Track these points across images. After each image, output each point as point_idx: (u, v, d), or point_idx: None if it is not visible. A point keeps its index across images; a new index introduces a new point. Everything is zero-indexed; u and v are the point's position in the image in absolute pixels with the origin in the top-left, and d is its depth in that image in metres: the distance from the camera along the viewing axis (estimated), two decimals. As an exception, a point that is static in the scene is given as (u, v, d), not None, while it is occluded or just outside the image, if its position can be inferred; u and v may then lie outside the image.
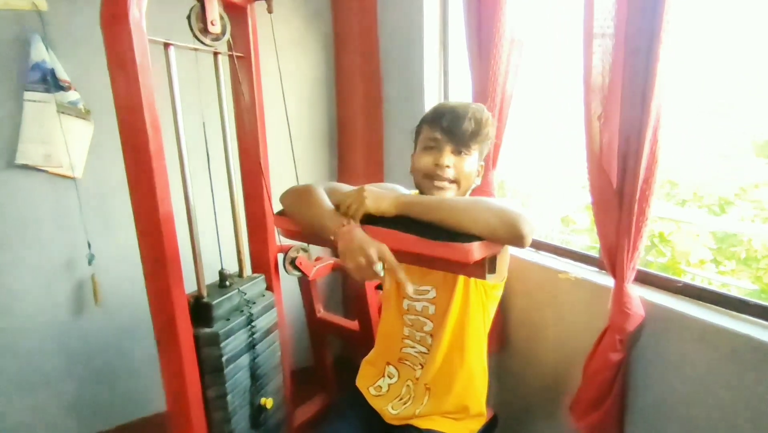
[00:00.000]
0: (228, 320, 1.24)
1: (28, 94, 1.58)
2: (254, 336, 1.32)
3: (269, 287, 1.46)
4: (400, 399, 1.16)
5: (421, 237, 0.83)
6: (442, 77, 1.78)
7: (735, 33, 1.15)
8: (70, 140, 1.66)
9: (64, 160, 1.67)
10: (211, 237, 1.34)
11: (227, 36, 1.24)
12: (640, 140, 0.89)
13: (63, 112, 1.63)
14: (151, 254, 1.09)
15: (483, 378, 1.13)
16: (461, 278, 1.03)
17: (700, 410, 0.98)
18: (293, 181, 1.31)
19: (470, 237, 0.80)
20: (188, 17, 1.14)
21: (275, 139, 1.52)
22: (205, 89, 1.34)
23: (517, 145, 1.59)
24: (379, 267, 0.80)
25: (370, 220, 0.90)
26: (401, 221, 0.87)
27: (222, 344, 1.20)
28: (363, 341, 1.61)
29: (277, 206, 1.08)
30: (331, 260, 1.65)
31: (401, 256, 0.84)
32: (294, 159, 1.55)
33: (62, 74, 1.61)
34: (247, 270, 1.43)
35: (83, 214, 1.75)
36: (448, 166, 0.97)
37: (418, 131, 1.06)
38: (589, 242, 1.72)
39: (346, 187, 1.07)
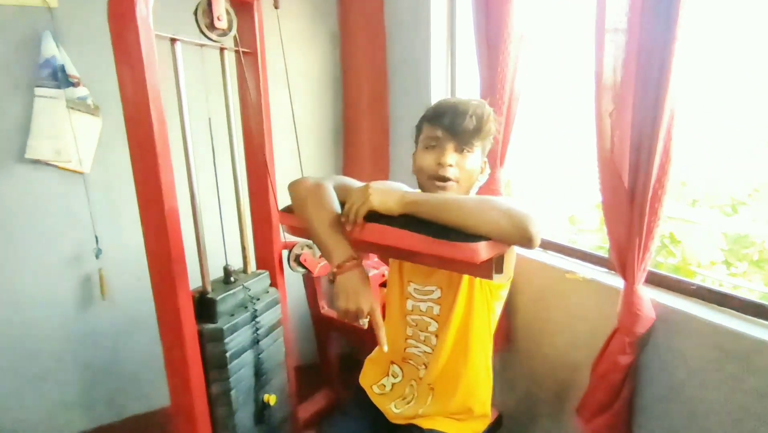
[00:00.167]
0: (232, 315, 1.24)
1: (38, 90, 1.59)
2: (258, 332, 1.31)
3: (274, 284, 1.46)
4: (404, 399, 1.15)
5: (426, 236, 0.81)
6: (449, 74, 1.76)
7: (754, 28, 1.12)
8: (79, 136, 1.67)
9: (73, 156, 1.68)
10: (216, 233, 1.34)
11: (234, 32, 1.24)
12: (653, 138, 0.87)
13: (72, 108, 1.64)
14: (156, 249, 1.09)
15: (487, 379, 1.12)
16: (466, 277, 1.02)
17: (712, 417, 0.96)
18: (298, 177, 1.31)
19: (477, 236, 0.79)
20: (195, 12, 1.14)
21: (281, 135, 1.52)
22: (211, 85, 1.34)
23: (525, 144, 1.57)
24: (363, 322, 0.85)
25: (374, 217, 0.89)
26: (406, 219, 0.86)
27: (226, 340, 1.20)
28: (367, 338, 1.60)
29: (282, 203, 1.07)
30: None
31: (406, 255, 0.83)
32: (299, 156, 1.55)
33: (72, 70, 1.62)
34: (252, 266, 1.43)
35: (91, 209, 1.77)
36: (450, 165, 0.95)
37: (418, 129, 1.04)
38: (593, 242, 1.70)
39: (355, 183, 1.06)
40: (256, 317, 1.30)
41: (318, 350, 1.94)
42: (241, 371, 1.26)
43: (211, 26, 1.17)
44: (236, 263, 1.37)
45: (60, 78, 1.59)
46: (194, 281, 1.17)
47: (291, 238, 1.38)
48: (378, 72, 1.97)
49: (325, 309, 1.80)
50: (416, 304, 1.11)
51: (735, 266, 1.53)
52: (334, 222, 0.91)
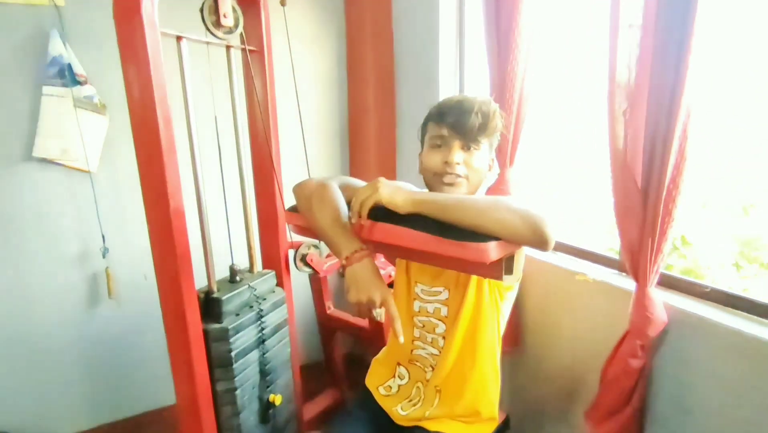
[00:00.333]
0: (238, 315, 1.23)
1: (46, 89, 1.60)
2: (264, 332, 1.31)
3: (280, 284, 1.45)
4: (410, 400, 1.13)
5: (435, 235, 0.80)
6: (458, 72, 1.74)
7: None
8: (86, 135, 1.67)
9: (80, 155, 1.68)
10: (222, 232, 1.34)
11: (240, 29, 1.23)
12: (668, 137, 0.85)
13: (79, 107, 1.64)
14: (162, 248, 1.09)
15: (496, 382, 1.10)
16: (474, 278, 1.00)
17: (725, 422, 0.94)
18: (305, 177, 1.29)
19: (486, 236, 0.77)
20: (201, 10, 1.13)
21: (287, 134, 1.51)
22: (217, 83, 1.34)
23: (536, 143, 1.55)
24: (378, 312, 0.81)
25: (380, 216, 0.87)
26: (413, 218, 0.84)
27: (231, 340, 1.19)
28: (373, 338, 1.59)
29: (288, 202, 1.06)
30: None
31: (414, 254, 0.81)
32: (306, 155, 1.54)
33: (78, 69, 1.62)
34: (258, 266, 1.42)
35: (98, 208, 1.77)
36: (458, 163, 0.94)
37: (424, 129, 1.03)
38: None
39: (361, 183, 1.05)
40: (261, 316, 1.30)
41: (323, 349, 1.93)
42: (246, 370, 1.25)
43: (218, 24, 1.16)
44: (242, 263, 1.36)
45: (67, 76, 1.60)
46: (200, 281, 1.17)
47: (297, 238, 1.37)
48: (385, 71, 1.95)
49: (331, 309, 1.79)
50: (423, 305, 1.09)
51: (744, 268, 1.50)
52: (339, 217, 0.90)
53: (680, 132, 0.84)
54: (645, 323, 0.98)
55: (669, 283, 1.08)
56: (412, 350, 1.14)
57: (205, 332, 1.17)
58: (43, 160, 1.66)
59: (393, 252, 1.18)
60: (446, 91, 1.73)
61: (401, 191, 0.85)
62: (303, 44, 2.06)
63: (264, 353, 1.32)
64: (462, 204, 0.81)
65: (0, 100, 1.59)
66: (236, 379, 1.22)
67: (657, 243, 0.93)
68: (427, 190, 1.04)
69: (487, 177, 1.01)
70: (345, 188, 0.99)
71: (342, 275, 0.86)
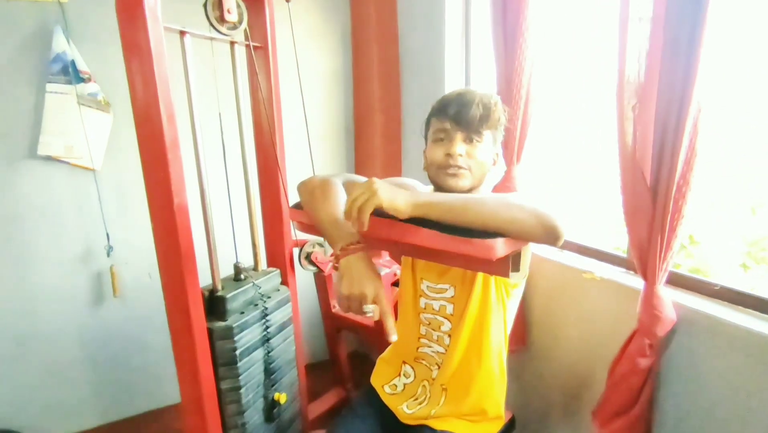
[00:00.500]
0: (242, 313, 1.23)
1: (50, 86, 1.59)
2: (268, 330, 1.30)
3: (284, 282, 1.45)
4: (416, 399, 1.13)
5: (440, 232, 0.79)
6: (464, 68, 1.73)
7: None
8: (90, 132, 1.67)
9: (84, 152, 1.68)
10: (226, 230, 1.33)
11: (244, 25, 1.22)
12: (678, 132, 0.83)
13: (83, 104, 1.64)
14: (166, 246, 1.09)
15: (502, 380, 1.09)
16: (480, 275, 0.99)
17: (736, 422, 0.92)
18: (309, 174, 1.29)
19: (493, 233, 0.76)
20: (204, 5, 1.13)
21: (292, 131, 1.51)
22: (221, 80, 1.33)
23: (543, 140, 1.53)
24: (369, 309, 0.77)
25: (381, 213, 0.86)
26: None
27: (236, 338, 1.19)
28: (378, 337, 1.58)
29: (293, 199, 1.06)
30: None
31: (420, 252, 0.80)
32: (310, 152, 1.53)
33: (82, 66, 1.62)
34: (262, 264, 1.42)
35: (102, 206, 1.77)
36: (460, 155, 0.93)
37: (427, 125, 1.02)
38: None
39: (365, 180, 1.04)
40: (266, 315, 1.29)
41: (328, 348, 1.93)
42: (251, 368, 1.25)
43: (221, 19, 1.16)
44: (246, 261, 1.36)
45: (71, 73, 1.60)
46: (204, 279, 1.16)
47: (302, 236, 1.36)
48: (390, 67, 1.94)
49: (336, 308, 1.79)
50: (429, 302, 1.08)
51: (751, 268, 1.49)
52: (338, 211, 0.88)
53: (691, 127, 0.83)
54: (654, 321, 0.96)
55: (678, 281, 1.07)
56: (417, 348, 1.13)
57: (210, 331, 1.17)
58: (48, 158, 1.66)
59: (398, 249, 1.17)
60: (452, 87, 1.72)
61: (401, 193, 0.79)
62: (308, 40, 2.05)
63: (269, 352, 1.31)
64: (468, 205, 0.78)
65: (4, 98, 1.59)
66: (241, 377, 1.22)
67: (666, 241, 0.91)
68: (432, 186, 1.03)
69: (492, 171, 1.00)
70: (349, 187, 0.99)
71: (336, 268, 0.83)
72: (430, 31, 1.74)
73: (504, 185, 1.38)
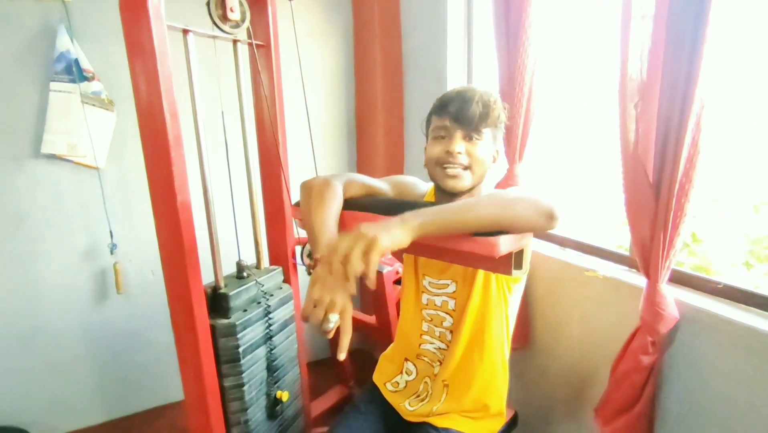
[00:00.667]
0: (245, 311, 1.23)
1: (54, 85, 1.60)
2: (271, 328, 1.30)
3: (287, 280, 1.45)
4: (418, 396, 1.13)
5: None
6: (466, 66, 1.73)
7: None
8: (94, 131, 1.68)
9: (87, 151, 1.69)
10: (229, 228, 1.34)
11: (247, 23, 1.22)
12: (681, 129, 0.83)
13: (87, 103, 1.65)
14: (169, 243, 1.09)
15: (504, 376, 1.10)
16: (481, 271, 0.99)
17: (738, 419, 0.92)
18: (312, 172, 1.29)
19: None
20: (207, 3, 1.13)
21: (294, 129, 1.51)
22: (224, 78, 1.33)
23: (545, 138, 1.53)
24: (334, 318, 0.72)
25: (383, 210, 0.86)
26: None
27: (239, 335, 1.19)
28: (380, 335, 1.59)
29: (295, 198, 1.06)
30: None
31: (421, 250, 0.80)
32: (313, 150, 1.53)
33: (86, 64, 1.62)
34: (265, 262, 1.42)
35: (106, 204, 1.78)
36: (460, 153, 0.93)
37: (427, 123, 1.03)
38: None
39: (367, 179, 1.04)
40: (269, 312, 1.29)
41: (331, 346, 1.93)
42: (253, 366, 1.25)
43: (224, 18, 1.16)
44: (249, 259, 1.36)
45: (74, 72, 1.60)
46: (207, 276, 1.17)
47: (305, 234, 1.37)
48: (393, 65, 1.94)
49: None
50: (431, 298, 1.09)
51: (754, 266, 1.48)
52: (330, 218, 0.89)
53: (693, 124, 0.83)
54: (656, 319, 0.97)
55: (680, 279, 1.07)
56: (420, 345, 1.13)
57: (213, 328, 1.17)
58: (52, 157, 1.67)
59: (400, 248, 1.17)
60: (454, 85, 1.72)
61: (395, 228, 0.73)
62: (310, 39, 2.05)
63: (271, 349, 1.31)
64: (463, 214, 0.76)
65: (8, 97, 1.60)
66: (244, 375, 1.22)
67: (669, 238, 0.91)
68: (432, 184, 1.03)
69: (492, 168, 1.00)
70: (350, 185, 0.99)
71: (309, 273, 0.81)
72: (433, 28, 1.74)
73: (506, 184, 1.38)
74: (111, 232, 1.80)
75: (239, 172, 1.34)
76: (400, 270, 1.47)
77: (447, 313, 1.07)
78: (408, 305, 1.15)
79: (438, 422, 1.06)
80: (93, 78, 1.64)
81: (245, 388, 1.23)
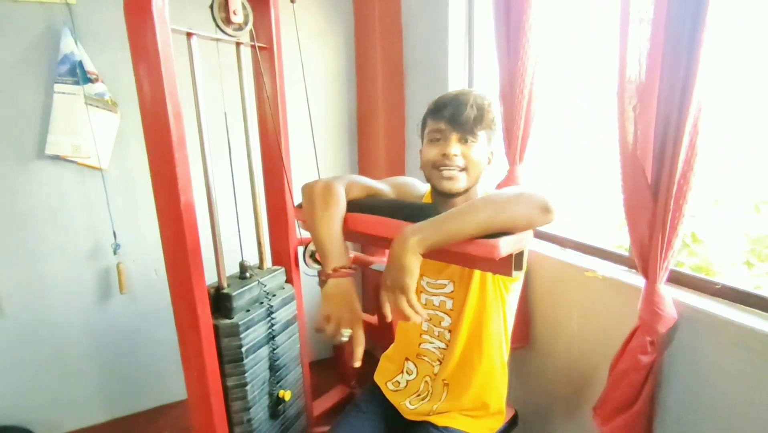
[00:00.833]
0: (248, 311, 1.24)
1: (58, 87, 1.61)
2: (274, 328, 1.32)
3: (289, 280, 1.46)
4: (418, 395, 1.14)
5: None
6: (467, 68, 1.74)
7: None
8: (97, 132, 1.69)
9: (91, 152, 1.70)
10: (232, 228, 1.35)
11: (250, 26, 1.23)
12: (678, 132, 0.84)
13: (90, 104, 1.66)
14: (172, 243, 1.10)
15: (503, 375, 1.11)
16: (478, 271, 1.00)
17: (735, 417, 0.93)
18: (314, 173, 1.31)
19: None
20: (211, 7, 1.14)
21: (296, 130, 1.52)
22: (227, 80, 1.34)
23: (546, 140, 1.54)
24: (346, 333, 0.80)
25: (387, 212, 0.87)
26: (422, 215, 0.84)
27: (242, 335, 1.20)
28: (381, 335, 1.60)
29: (298, 198, 1.07)
30: (352, 254, 1.64)
31: (425, 254, 0.81)
32: (315, 151, 1.54)
33: (90, 66, 1.64)
34: (268, 262, 1.43)
35: (109, 204, 1.79)
36: (455, 155, 0.94)
37: (423, 125, 1.04)
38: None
39: (369, 181, 1.05)
40: (271, 312, 1.31)
41: (332, 346, 1.94)
42: (256, 365, 1.26)
43: (227, 21, 1.17)
44: (252, 259, 1.37)
45: (78, 74, 1.61)
46: (210, 277, 1.18)
47: (307, 234, 1.38)
48: (394, 67, 1.95)
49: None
50: (429, 298, 1.10)
51: (755, 266, 1.49)
52: (336, 228, 0.91)
53: (691, 127, 0.83)
54: (655, 319, 0.97)
55: (679, 279, 1.08)
56: (419, 344, 1.14)
57: (216, 328, 1.18)
58: (56, 158, 1.68)
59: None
60: (455, 87, 1.73)
61: (406, 259, 0.78)
62: (312, 41, 2.06)
63: (274, 349, 1.33)
64: (464, 222, 0.78)
65: (13, 99, 1.61)
66: (247, 374, 1.23)
67: (667, 239, 0.92)
68: (428, 185, 1.05)
69: (487, 170, 1.02)
70: (351, 187, 1.00)
71: (321, 285, 0.86)
72: (434, 30, 1.75)
73: (507, 184, 1.39)
74: (114, 232, 1.81)
75: (242, 173, 1.35)
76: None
77: (445, 313, 1.08)
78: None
79: (438, 420, 1.07)
80: (96, 80, 1.65)
81: (248, 387, 1.24)
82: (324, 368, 2.17)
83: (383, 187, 1.08)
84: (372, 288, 1.90)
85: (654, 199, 0.93)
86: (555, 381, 1.41)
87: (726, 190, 1.54)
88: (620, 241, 1.45)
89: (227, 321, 1.20)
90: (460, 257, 0.81)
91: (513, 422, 1.21)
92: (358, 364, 0.81)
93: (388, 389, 1.19)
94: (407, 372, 1.18)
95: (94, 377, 1.92)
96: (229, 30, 1.18)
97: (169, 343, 1.77)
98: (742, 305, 0.97)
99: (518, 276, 1.03)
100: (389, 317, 0.85)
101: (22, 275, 1.73)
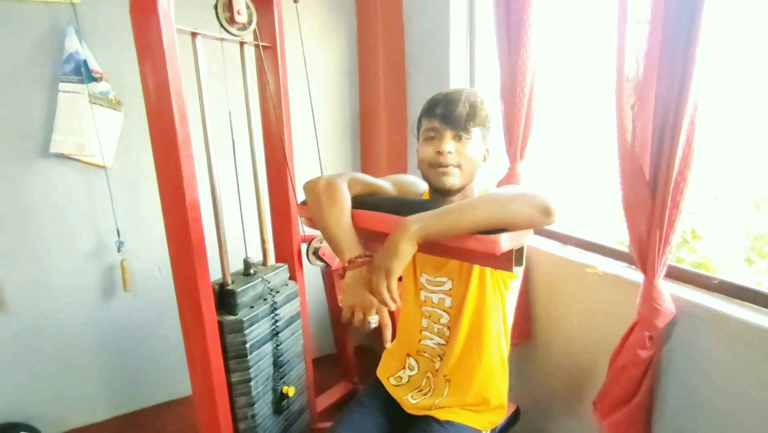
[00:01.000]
0: (252, 307, 1.26)
1: (62, 85, 1.63)
2: (277, 324, 1.33)
3: (292, 277, 1.47)
4: (420, 390, 1.15)
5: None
6: (468, 67, 1.75)
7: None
8: (101, 130, 1.70)
9: (95, 150, 1.71)
10: (236, 226, 1.36)
11: (253, 26, 1.25)
12: (675, 130, 0.85)
13: (95, 103, 1.67)
14: (178, 242, 1.11)
15: (503, 371, 1.12)
16: (477, 268, 1.02)
17: (733, 412, 0.95)
18: (317, 171, 1.32)
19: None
20: (215, 7, 1.15)
21: (299, 128, 1.53)
22: (231, 79, 1.36)
23: (547, 137, 1.55)
24: (374, 319, 0.85)
25: (388, 208, 0.89)
26: (425, 210, 0.85)
27: (246, 331, 1.22)
28: (384, 331, 1.61)
29: (301, 196, 1.08)
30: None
31: (425, 247, 0.83)
32: (318, 149, 1.56)
33: (94, 65, 1.65)
34: (271, 259, 1.45)
35: (113, 202, 1.80)
36: (449, 153, 0.96)
37: (418, 125, 1.05)
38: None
39: (370, 178, 1.06)
40: (275, 309, 1.32)
41: (335, 342, 1.96)
42: (260, 361, 1.28)
43: (231, 20, 1.18)
44: (256, 256, 1.39)
45: (83, 73, 1.63)
46: (214, 274, 1.19)
47: (310, 231, 1.39)
48: (396, 66, 1.96)
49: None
50: (429, 295, 1.11)
51: (756, 263, 1.49)
52: (345, 219, 0.93)
53: (688, 125, 0.85)
54: (653, 313, 0.99)
55: (677, 275, 1.09)
56: (420, 340, 1.16)
57: (220, 324, 1.20)
58: (60, 156, 1.70)
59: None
60: (457, 85, 1.74)
61: (401, 243, 0.81)
62: (315, 40, 2.07)
63: (278, 345, 1.34)
64: (464, 216, 0.80)
65: (18, 98, 1.63)
66: (251, 370, 1.24)
67: (665, 236, 0.93)
68: (426, 184, 1.06)
69: (482, 167, 1.03)
70: (354, 184, 1.02)
71: (342, 276, 0.88)
72: (435, 29, 1.76)
73: (508, 182, 1.40)
74: (118, 230, 1.82)
75: (246, 171, 1.36)
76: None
77: (444, 310, 1.10)
78: (407, 302, 1.17)
79: (440, 415, 1.08)
80: (101, 78, 1.66)
81: (252, 383, 1.25)
82: (326, 364, 2.18)
83: (384, 184, 1.09)
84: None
85: (652, 196, 0.95)
86: (555, 376, 1.42)
87: (726, 188, 1.55)
88: (621, 237, 1.46)
89: (231, 317, 1.21)
90: (462, 252, 0.83)
91: (515, 416, 1.22)
92: (388, 345, 0.86)
93: (390, 384, 1.20)
94: (409, 368, 1.20)
95: (98, 373, 1.93)
96: (233, 30, 1.20)
97: (173, 340, 1.80)
98: (739, 300, 0.98)
99: (518, 272, 1.04)
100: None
101: (27, 272, 1.74)
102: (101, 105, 1.68)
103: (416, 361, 1.18)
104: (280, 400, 1.36)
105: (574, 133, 1.65)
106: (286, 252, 1.50)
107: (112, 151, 1.76)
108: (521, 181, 1.39)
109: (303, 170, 1.44)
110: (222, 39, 1.22)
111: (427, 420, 1.09)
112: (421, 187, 1.14)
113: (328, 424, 1.60)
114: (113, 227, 1.82)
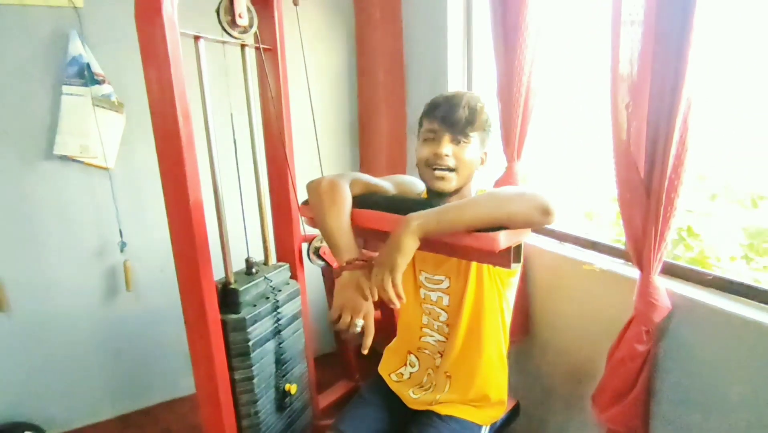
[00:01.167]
0: (254, 306, 1.27)
1: (66, 88, 1.64)
2: (279, 323, 1.35)
3: (294, 276, 1.49)
4: (421, 386, 1.17)
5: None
6: (466, 68, 1.77)
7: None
8: (104, 132, 1.71)
9: (98, 152, 1.73)
10: (238, 226, 1.38)
11: (254, 29, 1.26)
12: (669, 129, 0.87)
13: (98, 105, 1.69)
14: (182, 241, 1.13)
15: (502, 367, 1.14)
16: (474, 267, 1.03)
17: (729, 404, 0.96)
18: (317, 171, 1.34)
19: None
20: (217, 10, 1.17)
21: (300, 129, 1.55)
22: (232, 81, 1.37)
23: (543, 136, 1.57)
24: (360, 323, 0.86)
25: (386, 207, 0.91)
26: (421, 208, 0.87)
27: (248, 329, 1.23)
28: (385, 329, 1.63)
29: (302, 196, 1.10)
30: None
31: (425, 244, 0.85)
32: (318, 150, 1.57)
33: (97, 68, 1.66)
34: (273, 259, 1.46)
35: (116, 203, 1.82)
36: (447, 155, 0.97)
37: (419, 125, 1.07)
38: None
39: (371, 179, 1.08)
40: (277, 307, 1.34)
41: (336, 341, 1.97)
42: (263, 359, 1.29)
43: (233, 24, 1.20)
44: (257, 256, 1.40)
45: (86, 76, 1.64)
46: (217, 273, 1.21)
47: (311, 231, 1.41)
48: (394, 66, 1.98)
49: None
50: (428, 293, 1.13)
51: (754, 260, 1.51)
52: (345, 221, 0.95)
53: (681, 123, 0.87)
54: (649, 309, 1.01)
55: (672, 271, 1.11)
56: (420, 337, 1.17)
57: (224, 322, 1.21)
58: (64, 158, 1.71)
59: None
60: (455, 86, 1.76)
61: (403, 239, 0.83)
62: (314, 42, 2.09)
63: (280, 343, 1.36)
64: (464, 214, 0.82)
65: (22, 100, 1.64)
66: (254, 368, 1.26)
67: (660, 232, 0.95)
68: (424, 184, 1.08)
69: (479, 170, 1.04)
70: (355, 184, 1.04)
71: (336, 276, 0.90)
72: (433, 30, 1.78)
73: (505, 182, 1.42)
74: (120, 231, 1.84)
75: (247, 172, 1.38)
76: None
77: (442, 308, 1.11)
78: (408, 299, 1.18)
79: (441, 409, 1.10)
80: (104, 81, 1.68)
81: (255, 381, 1.27)
82: (328, 362, 2.20)
83: (385, 184, 1.11)
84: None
85: (647, 194, 0.97)
86: (555, 372, 1.44)
87: (723, 186, 1.56)
88: (618, 234, 1.48)
89: (234, 316, 1.22)
90: (462, 249, 0.85)
91: (515, 411, 1.24)
92: (365, 351, 0.87)
93: (392, 380, 1.22)
94: (410, 364, 1.21)
95: (101, 373, 1.94)
96: (234, 33, 1.21)
97: (175, 339, 1.81)
98: (733, 295, 1.00)
99: (516, 269, 1.06)
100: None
101: (30, 272, 1.75)
102: (104, 107, 1.70)
103: (417, 358, 1.20)
104: (282, 397, 1.37)
105: (571, 132, 1.67)
106: (287, 251, 1.51)
107: (114, 153, 1.77)
108: (518, 180, 1.41)
109: (303, 170, 1.46)
110: (224, 42, 1.23)
111: (428, 415, 1.10)
112: (420, 187, 1.16)
113: (330, 421, 1.62)
114: (116, 228, 1.83)
